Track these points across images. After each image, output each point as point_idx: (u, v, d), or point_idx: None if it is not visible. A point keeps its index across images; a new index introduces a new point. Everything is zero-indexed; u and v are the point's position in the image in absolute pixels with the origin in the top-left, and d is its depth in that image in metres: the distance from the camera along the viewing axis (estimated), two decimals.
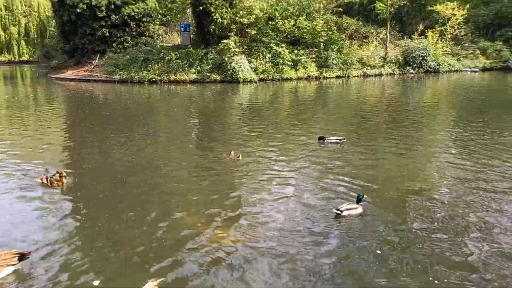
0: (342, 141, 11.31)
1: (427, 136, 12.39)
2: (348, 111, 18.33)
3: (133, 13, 34.22)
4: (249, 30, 31.29)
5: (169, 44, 35.53)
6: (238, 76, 29.03)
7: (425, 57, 33.69)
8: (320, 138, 11.37)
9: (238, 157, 9.88)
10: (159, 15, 35.95)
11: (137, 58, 31.61)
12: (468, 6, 36.68)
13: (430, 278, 4.85)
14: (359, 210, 6.67)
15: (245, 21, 30.96)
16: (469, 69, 34.70)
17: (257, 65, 30.56)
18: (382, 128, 13.96)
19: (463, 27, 37.28)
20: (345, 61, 32.51)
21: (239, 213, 6.80)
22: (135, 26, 35.13)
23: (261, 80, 30.21)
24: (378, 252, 5.45)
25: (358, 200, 6.83)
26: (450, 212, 6.64)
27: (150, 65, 30.68)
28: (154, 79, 29.58)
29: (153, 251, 5.59)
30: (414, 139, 11.97)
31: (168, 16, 36.13)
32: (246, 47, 31.22)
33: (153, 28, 36.60)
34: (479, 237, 5.81)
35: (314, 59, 32.39)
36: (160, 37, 37.48)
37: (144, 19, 35.41)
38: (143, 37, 35.24)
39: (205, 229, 6.18)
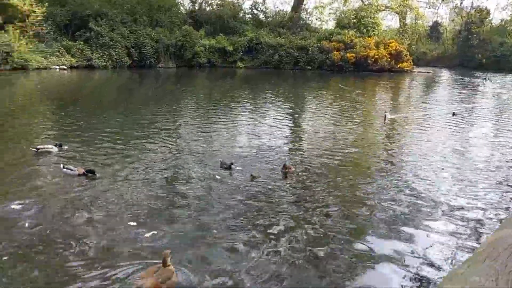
0: None
1: (29, 134, 12.28)
2: None
3: None
4: None
5: None
6: None
7: (10, 53, 31.76)
8: None
9: None
10: None
11: None
12: (46, 4, 37.17)
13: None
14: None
15: None
16: (57, 67, 35.70)
17: None
18: None
19: (44, 25, 37.54)
20: None
21: None
22: None
23: None
24: None
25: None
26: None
27: None
28: None
29: None
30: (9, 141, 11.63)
31: None
32: None
33: None
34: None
35: None
36: None
37: None
38: None
39: None
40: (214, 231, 6.33)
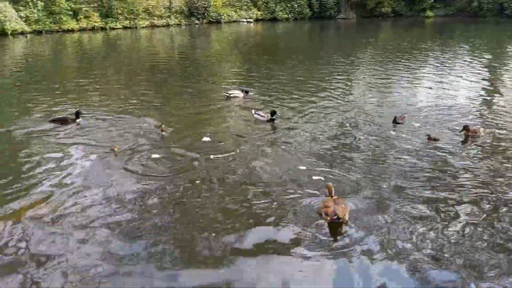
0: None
1: (221, 80, 13.79)
2: (149, 63, 18.29)
3: None
4: None
5: None
6: (5, 27, 24.65)
7: (207, 8, 35.63)
8: None
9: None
10: None
11: None
12: None
13: None
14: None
15: None
16: (245, 20, 38.50)
17: (27, 14, 26.45)
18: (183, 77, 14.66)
19: None
20: (131, 11, 31.43)
21: None
22: None
23: (36, 32, 26.47)
24: None
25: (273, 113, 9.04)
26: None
27: None
28: None
29: None
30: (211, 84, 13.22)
31: None
32: None
33: None
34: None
35: (97, 8, 30.13)
36: None
37: None
38: None
39: None
40: (384, 186, 6.01)
